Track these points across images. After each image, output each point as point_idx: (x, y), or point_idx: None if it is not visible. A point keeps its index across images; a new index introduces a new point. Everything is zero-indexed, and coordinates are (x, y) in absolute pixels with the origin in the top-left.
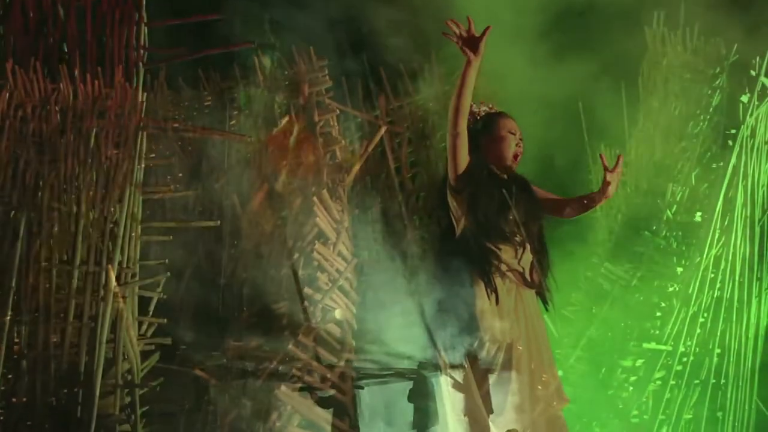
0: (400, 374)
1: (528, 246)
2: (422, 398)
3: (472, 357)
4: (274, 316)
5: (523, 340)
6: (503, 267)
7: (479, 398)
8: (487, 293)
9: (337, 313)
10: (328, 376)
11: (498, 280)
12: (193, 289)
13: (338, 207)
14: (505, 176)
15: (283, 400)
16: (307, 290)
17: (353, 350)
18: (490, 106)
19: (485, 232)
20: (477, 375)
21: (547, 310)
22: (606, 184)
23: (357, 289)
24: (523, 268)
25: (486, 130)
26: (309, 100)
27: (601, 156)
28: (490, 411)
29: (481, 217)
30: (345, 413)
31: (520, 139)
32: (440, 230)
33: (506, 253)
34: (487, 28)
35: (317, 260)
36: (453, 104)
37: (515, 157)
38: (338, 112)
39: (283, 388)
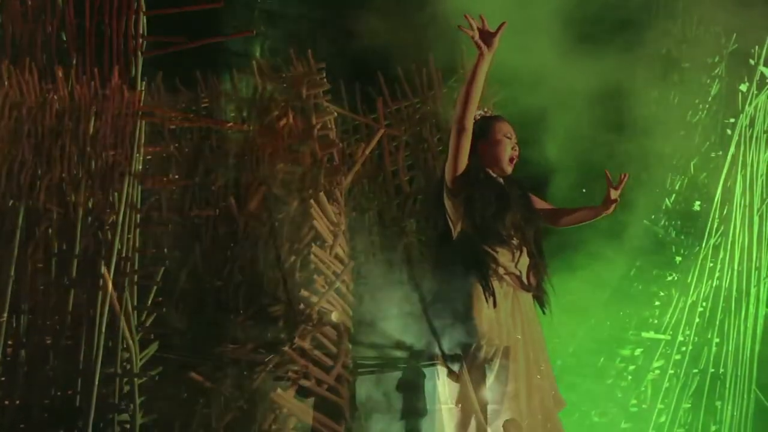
0: (391, 364)
1: (525, 249)
2: (411, 388)
3: (469, 357)
4: (270, 319)
5: (520, 342)
6: (500, 270)
7: (473, 392)
8: (485, 296)
9: (334, 316)
10: (325, 378)
11: (495, 283)
12: (189, 291)
13: (335, 210)
14: (502, 180)
15: (278, 403)
16: (303, 293)
17: (350, 353)
18: (486, 109)
19: (482, 236)
20: (474, 374)
21: (544, 313)
22: (612, 201)
23: (354, 292)
24: (521, 272)
25: (482, 133)
26: (307, 103)
27: (605, 172)
28: (485, 403)
29: (478, 220)
30: (341, 416)
31: (516, 143)
32: (437, 233)
33: (503, 256)
34: (503, 23)
35: (314, 263)
36: (462, 95)
37: (511, 160)
38: (336, 114)
39: (278, 390)
